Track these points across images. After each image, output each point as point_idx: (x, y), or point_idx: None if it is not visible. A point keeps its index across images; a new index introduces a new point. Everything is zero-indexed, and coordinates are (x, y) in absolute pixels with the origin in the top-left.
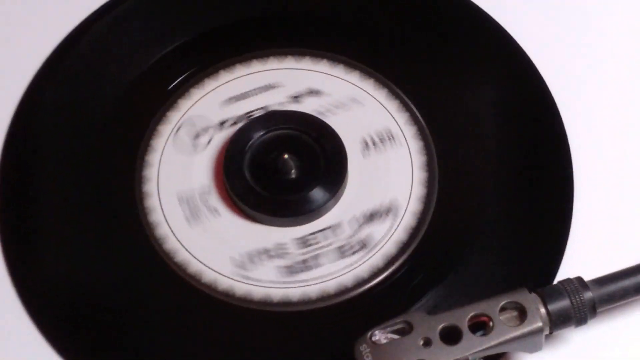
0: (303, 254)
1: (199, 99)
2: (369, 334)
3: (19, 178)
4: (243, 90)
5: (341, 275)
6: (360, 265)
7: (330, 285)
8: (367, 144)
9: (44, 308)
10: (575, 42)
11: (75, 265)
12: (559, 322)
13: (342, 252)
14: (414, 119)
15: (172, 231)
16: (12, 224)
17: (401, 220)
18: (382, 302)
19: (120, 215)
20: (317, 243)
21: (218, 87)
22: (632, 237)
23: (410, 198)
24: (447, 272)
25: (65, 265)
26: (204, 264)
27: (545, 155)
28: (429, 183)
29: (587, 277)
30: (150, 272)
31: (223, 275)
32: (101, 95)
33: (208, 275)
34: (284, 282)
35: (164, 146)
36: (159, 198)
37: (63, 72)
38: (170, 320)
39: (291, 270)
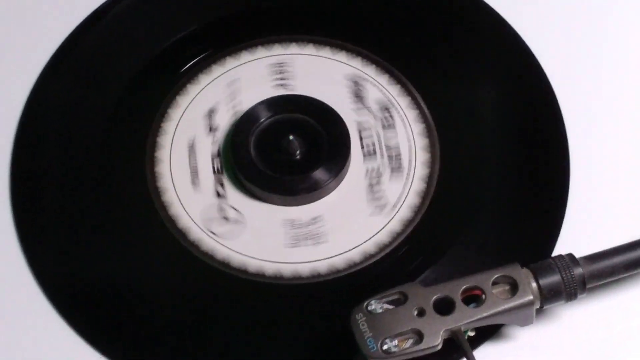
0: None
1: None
2: (365, 303)
3: (33, 154)
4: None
5: (334, 256)
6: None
7: (339, 260)
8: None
9: (60, 290)
10: (576, 35)
11: (89, 248)
12: (549, 296)
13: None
14: (416, 104)
15: (179, 199)
16: (24, 200)
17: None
18: (381, 278)
19: (132, 192)
20: None
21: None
22: (627, 216)
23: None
24: (446, 248)
25: (80, 250)
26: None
27: (542, 139)
28: (431, 163)
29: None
30: (164, 252)
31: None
32: (112, 82)
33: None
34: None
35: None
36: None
37: (73, 62)
38: (178, 294)
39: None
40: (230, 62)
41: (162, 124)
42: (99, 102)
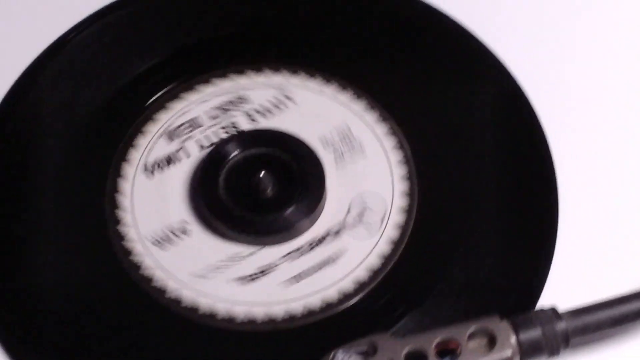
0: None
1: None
2: (332, 354)
3: None
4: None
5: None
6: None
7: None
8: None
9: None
10: (554, 52)
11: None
12: (529, 351)
13: None
14: (394, 131)
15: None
16: None
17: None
18: (353, 324)
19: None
20: None
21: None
22: (616, 266)
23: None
24: (423, 297)
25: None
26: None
27: (529, 179)
28: (409, 207)
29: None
30: (113, 282)
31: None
32: (79, 105)
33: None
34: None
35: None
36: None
37: (43, 81)
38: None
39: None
40: (191, 95)
41: (127, 156)
42: (61, 132)
